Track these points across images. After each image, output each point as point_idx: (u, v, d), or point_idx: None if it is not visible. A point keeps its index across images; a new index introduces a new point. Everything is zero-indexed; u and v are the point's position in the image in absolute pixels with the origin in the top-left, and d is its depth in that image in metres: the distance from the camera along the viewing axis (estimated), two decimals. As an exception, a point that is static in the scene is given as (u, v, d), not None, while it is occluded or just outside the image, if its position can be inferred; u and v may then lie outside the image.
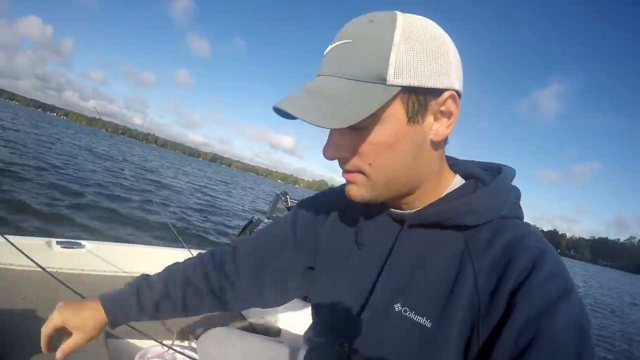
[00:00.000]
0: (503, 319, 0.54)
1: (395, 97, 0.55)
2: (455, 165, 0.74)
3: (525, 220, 0.68)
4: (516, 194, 0.69)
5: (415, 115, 0.58)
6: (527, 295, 0.54)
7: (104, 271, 2.00)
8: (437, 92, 0.57)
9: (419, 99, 0.57)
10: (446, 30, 0.60)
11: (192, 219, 10.15)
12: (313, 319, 0.85)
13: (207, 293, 0.91)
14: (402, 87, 0.55)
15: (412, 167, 0.62)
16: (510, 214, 0.66)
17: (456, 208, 0.63)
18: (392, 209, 0.72)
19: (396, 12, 0.56)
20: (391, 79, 0.54)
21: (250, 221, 2.79)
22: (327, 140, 0.63)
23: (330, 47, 0.59)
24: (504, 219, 0.64)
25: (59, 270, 1.82)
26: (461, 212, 0.63)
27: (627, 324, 12.77)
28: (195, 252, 2.16)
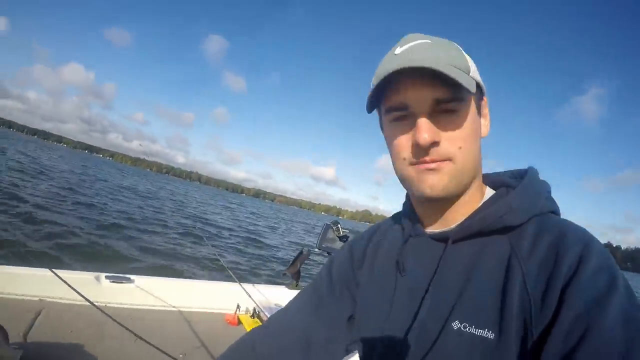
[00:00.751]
0: (554, 317, 0.53)
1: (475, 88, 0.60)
2: (482, 179, 0.75)
3: None
4: (547, 187, 0.70)
5: (478, 109, 0.66)
6: (575, 291, 0.53)
7: (153, 305, 1.97)
8: (482, 95, 0.67)
9: (478, 96, 0.65)
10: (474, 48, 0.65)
11: (241, 254, 10.18)
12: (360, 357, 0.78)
13: None
14: (476, 81, 0.63)
15: (478, 157, 0.67)
16: (547, 209, 0.66)
17: (497, 211, 0.65)
18: (432, 230, 0.72)
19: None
20: (472, 73, 0.62)
21: (301, 252, 2.72)
22: (420, 126, 0.61)
23: (405, 46, 0.63)
24: (543, 215, 0.65)
25: (107, 305, 1.80)
26: (502, 214, 0.64)
27: None
28: (245, 287, 2.12)
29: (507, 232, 0.64)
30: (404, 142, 0.64)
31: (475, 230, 0.66)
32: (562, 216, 0.70)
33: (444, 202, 0.68)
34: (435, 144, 0.61)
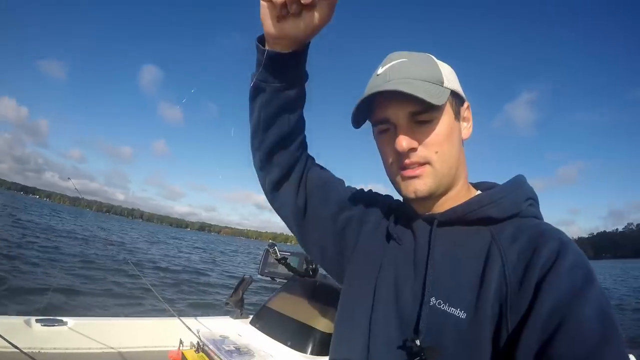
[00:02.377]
0: (531, 306, 0.57)
1: (448, 96, 0.71)
2: (473, 185, 0.85)
3: None
4: (531, 194, 0.76)
5: (457, 114, 0.75)
6: (553, 283, 0.57)
7: (90, 348, 1.87)
8: (462, 100, 0.76)
9: (456, 102, 0.75)
10: None
11: (181, 287, 9.79)
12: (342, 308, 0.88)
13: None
14: (450, 90, 0.72)
15: (458, 159, 0.75)
16: (530, 213, 0.73)
17: (480, 201, 0.73)
18: (423, 213, 0.80)
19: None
20: (445, 83, 0.71)
21: (242, 280, 2.70)
22: (399, 136, 0.71)
23: (386, 66, 0.74)
24: (525, 217, 0.72)
25: (40, 351, 1.69)
26: (485, 204, 0.72)
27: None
28: (186, 321, 2.07)
29: (490, 224, 0.71)
30: (389, 150, 0.75)
31: (459, 214, 0.74)
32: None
33: (431, 199, 0.76)
34: (412, 150, 0.71)
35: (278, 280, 2.70)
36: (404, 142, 0.70)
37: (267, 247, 2.58)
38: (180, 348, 2.04)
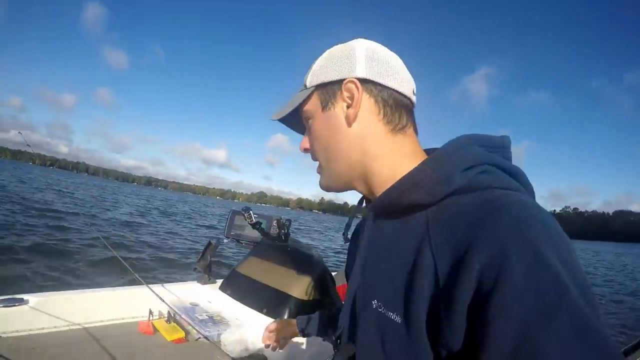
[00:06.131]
0: (471, 327, 0.48)
1: (312, 95, 0.74)
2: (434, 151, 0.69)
3: None
4: (480, 158, 0.60)
5: (327, 104, 0.73)
6: (501, 308, 0.44)
7: (55, 327, 1.78)
8: (339, 83, 0.71)
9: (327, 91, 0.72)
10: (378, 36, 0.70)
11: (143, 252, 9.21)
12: None
13: None
14: (315, 86, 0.74)
15: (340, 149, 0.72)
16: (481, 185, 0.58)
17: (400, 186, 0.63)
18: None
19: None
20: (308, 82, 0.75)
21: (209, 243, 2.63)
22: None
23: None
24: (472, 191, 0.57)
25: (1, 336, 1.59)
26: (405, 189, 0.62)
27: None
28: (155, 288, 1.98)
29: (427, 208, 0.61)
30: None
31: (383, 204, 0.66)
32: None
33: (362, 190, 0.76)
34: (306, 150, 0.79)
35: (244, 243, 2.66)
36: (301, 145, 0.80)
37: (238, 209, 2.51)
38: (151, 319, 2.00)
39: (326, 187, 0.77)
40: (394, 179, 0.65)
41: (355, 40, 0.73)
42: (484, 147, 0.63)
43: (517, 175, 0.62)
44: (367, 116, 0.69)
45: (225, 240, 2.71)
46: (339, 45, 0.74)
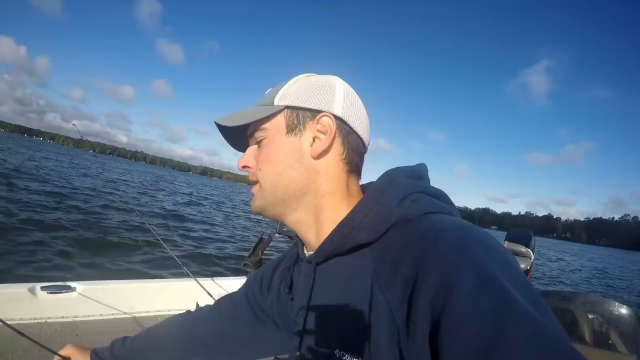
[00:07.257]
0: (430, 346, 0.47)
1: (278, 113, 0.69)
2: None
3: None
4: (411, 188, 0.64)
5: (294, 129, 0.69)
6: (454, 334, 0.45)
7: (102, 315, 1.74)
8: (313, 113, 0.68)
9: (298, 115, 0.69)
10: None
11: (195, 245, 9.18)
12: None
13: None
14: (284, 106, 0.68)
15: (293, 177, 0.68)
16: (415, 213, 0.61)
17: (342, 229, 0.64)
18: (307, 253, 0.74)
19: (309, 74, 0.73)
20: (276, 101, 0.69)
21: (261, 239, 2.56)
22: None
23: None
24: (409, 220, 0.60)
25: (47, 321, 1.55)
26: (348, 232, 0.63)
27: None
28: (202, 282, 1.93)
29: (369, 246, 0.62)
30: None
31: (330, 252, 0.66)
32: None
33: (294, 224, 0.73)
34: (245, 167, 0.73)
35: (296, 239, 2.56)
36: (239, 162, 0.74)
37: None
38: (198, 312, 1.93)
39: (260, 210, 0.73)
40: (339, 219, 0.66)
41: (333, 76, 0.74)
42: (410, 178, 0.67)
43: (442, 198, 0.67)
44: (332, 153, 0.69)
45: (277, 236, 2.65)
46: (319, 76, 0.73)
